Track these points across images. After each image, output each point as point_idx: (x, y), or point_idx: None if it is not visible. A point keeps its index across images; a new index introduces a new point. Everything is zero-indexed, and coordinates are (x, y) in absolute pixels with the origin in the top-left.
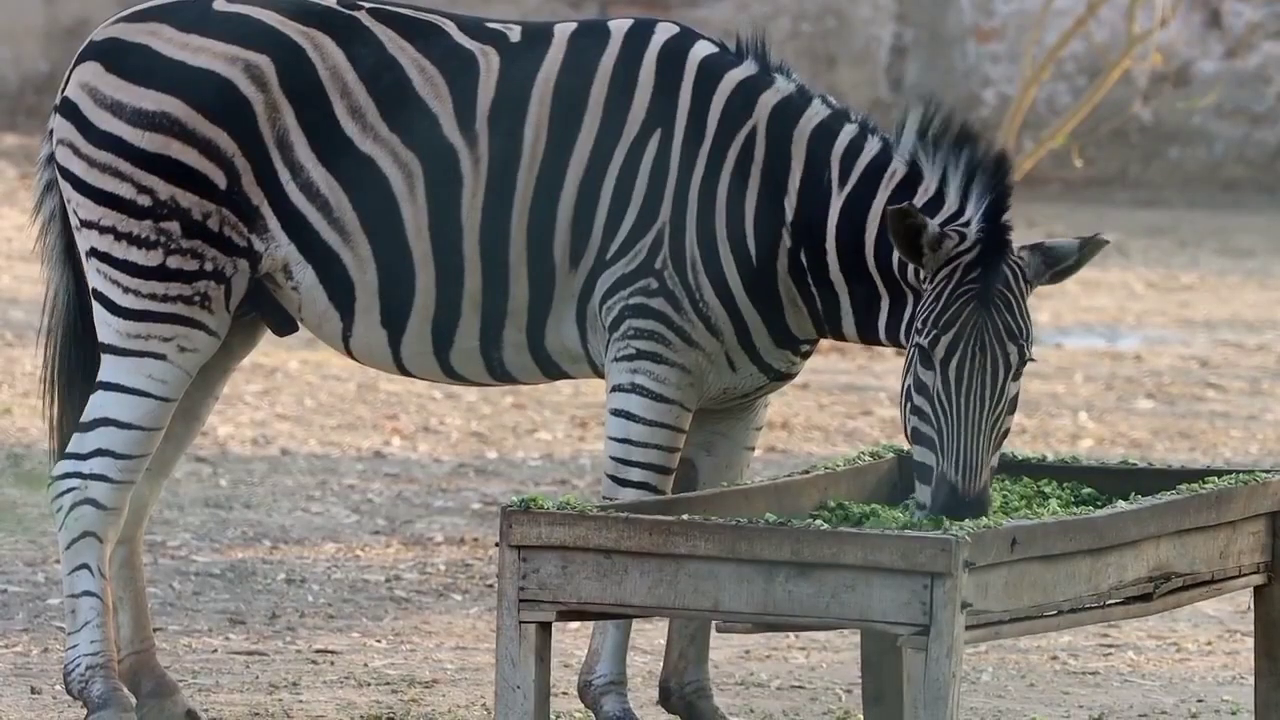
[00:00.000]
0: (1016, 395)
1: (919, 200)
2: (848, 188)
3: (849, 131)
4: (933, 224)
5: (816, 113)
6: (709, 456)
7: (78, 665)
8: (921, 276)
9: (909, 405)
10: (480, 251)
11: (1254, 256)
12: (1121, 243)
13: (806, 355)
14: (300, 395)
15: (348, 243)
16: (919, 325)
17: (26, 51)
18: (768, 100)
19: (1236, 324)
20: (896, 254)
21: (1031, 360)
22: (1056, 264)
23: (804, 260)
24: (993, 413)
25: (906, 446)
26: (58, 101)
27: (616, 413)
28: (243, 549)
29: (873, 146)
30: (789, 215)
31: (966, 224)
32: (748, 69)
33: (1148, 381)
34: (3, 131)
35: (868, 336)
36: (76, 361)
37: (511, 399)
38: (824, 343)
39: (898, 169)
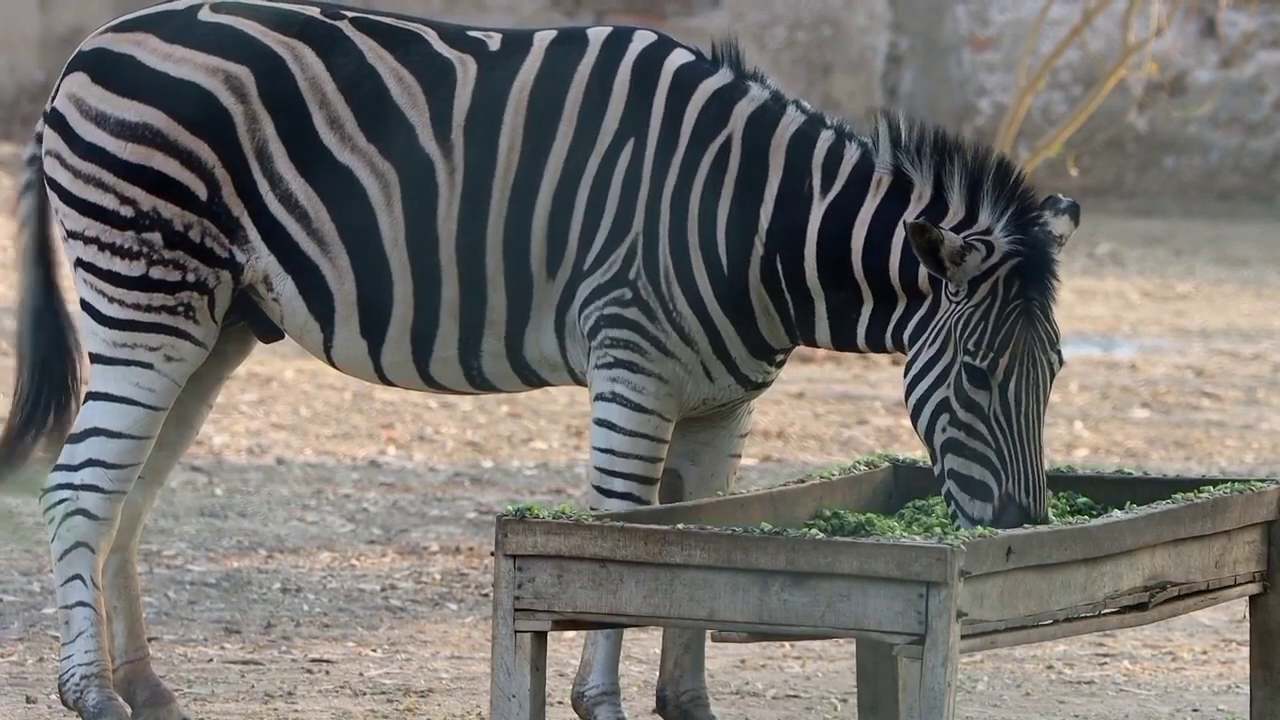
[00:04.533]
0: None
1: (915, 207)
2: (831, 195)
3: (826, 138)
4: (952, 237)
5: (793, 120)
6: (694, 466)
7: (72, 675)
8: (952, 289)
9: (948, 418)
10: (457, 261)
11: (1249, 265)
12: (1117, 252)
13: (781, 365)
14: (295, 404)
15: (327, 254)
16: (969, 346)
17: (21, 60)
18: (743, 110)
19: (1232, 333)
20: (897, 259)
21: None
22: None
23: (779, 268)
24: (1043, 423)
25: (901, 455)
26: (47, 110)
27: (599, 423)
28: (238, 558)
29: (853, 153)
30: (764, 223)
31: (987, 232)
32: (722, 78)
33: (1143, 390)
34: None
35: (842, 343)
36: (49, 364)
37: (507, 408)
38: (819, 352)
39: (883, 177)
